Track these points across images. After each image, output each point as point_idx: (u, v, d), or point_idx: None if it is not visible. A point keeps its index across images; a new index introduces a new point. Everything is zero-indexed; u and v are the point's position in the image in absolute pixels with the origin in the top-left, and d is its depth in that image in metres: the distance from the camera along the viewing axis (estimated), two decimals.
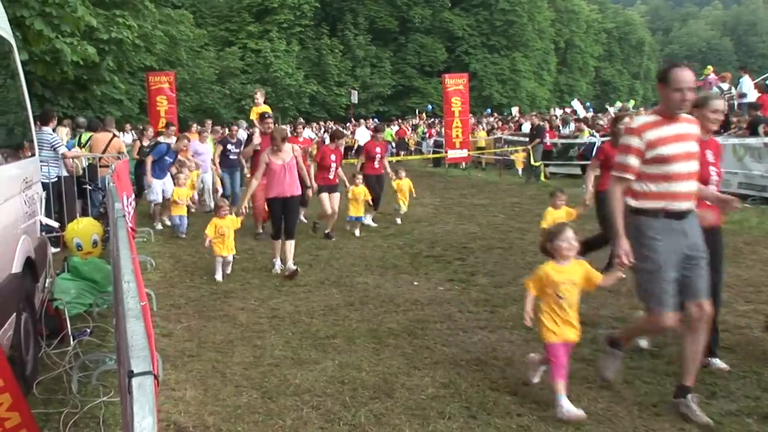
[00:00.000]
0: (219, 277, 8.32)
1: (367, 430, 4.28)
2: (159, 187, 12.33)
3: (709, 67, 18.12)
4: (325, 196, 10.91)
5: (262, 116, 11.36)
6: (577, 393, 4.71)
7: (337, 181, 11.19)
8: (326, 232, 10.99)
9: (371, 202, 12.04)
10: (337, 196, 11.07)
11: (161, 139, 13.61)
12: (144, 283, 7.14)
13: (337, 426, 4.33)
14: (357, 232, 11.22)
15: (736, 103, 16.59)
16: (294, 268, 8.44)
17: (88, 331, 6.23)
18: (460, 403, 4.62)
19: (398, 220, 12.55)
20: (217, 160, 13.58)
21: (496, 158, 24.59)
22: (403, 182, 12.70)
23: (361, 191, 11.33)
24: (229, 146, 13.67)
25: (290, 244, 8.67)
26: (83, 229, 7.91)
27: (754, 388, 4.73)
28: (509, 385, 4.92)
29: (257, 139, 11.09)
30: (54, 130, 10.33)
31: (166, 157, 12.39)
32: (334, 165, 11.10)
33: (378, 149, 12.49)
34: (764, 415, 4.31)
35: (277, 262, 8.77)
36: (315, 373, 5.21)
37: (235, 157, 13.54)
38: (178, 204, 11.42)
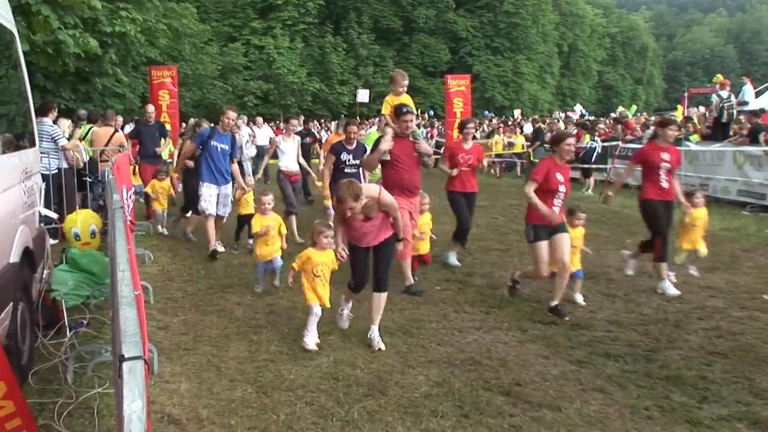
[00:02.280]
0: (311, 343, 5.76)
1: (359, 426, 4.30)
2: (214, 197, 9.50)
3: (719, 75, 18.06)
4: (543, 245, 6.78)
5: (399, 110, 7.68)
6: (569, 395, 4.74)
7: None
8: (553, 305, 6.73)
9: (650, 244, 7.80)
10: (565, 241, 6.76)
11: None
12: (142, 276, 7.17)
13: (330, 422, 4.35)
14: (580, 298, 7.13)
15: (735, 111, 16.59)
16: (380, 343, 5.81)
17: (85, 322, 6.26)
18: (452, 402, 4.64)
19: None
20: (327, 175, 9.45)
21: (496, 160, 24.57)
22: (700, 213, 8.09)
23: (577, 235, 7.24)
24: (344, 156, 9.20)
25: (380, 299, 6.01)
26: (82, 219, 7.96)
27: (745, 393, 4.75)
28: (502, 385, 4.94)
29: (387, 143, 7.55)
30: (55, 122, 10.34)
31: (214, 143, 9.35)
32: (563, 190, 6.85)
33: (666, 156, 7.65)
34: (755, 420, 4.33)
35: (345, 312, 6.31)
36: (310, 369, 5.24)
37: (354, 170, 9.14)
38: (264, 240, 7.67)
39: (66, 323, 5.96)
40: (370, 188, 5.89)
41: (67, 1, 16.57)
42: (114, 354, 3.28)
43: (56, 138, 10.00)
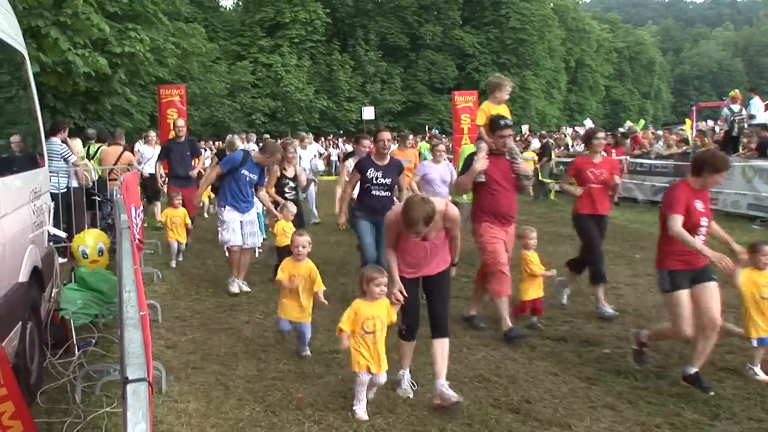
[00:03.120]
0: (361, 412, 4.70)
1: None
2: (237, 223, 8.37)
3: (736, 90, 18.07)
4: (684, 295, 5.19)
5: (496, 123, 6.59)
6: (579, 412, 4.71)
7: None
8: (691, 372, 5.17)
9: None
10: (713, 291, 5.20)
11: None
12: (150, 295, 7.19)
13: None
14: (761, 373, 5.35)
15: (746, 124, 16.57)
16: (454, 395, 4.79)
17: (93, 341, 6.25)
18: (461, 420, 4.61)
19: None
20: (346, 196, 8.01)
21: None
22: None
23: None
24: (370, 172, 7.51)
25: (443, 346, 5.09)
26: (89, 238, 8.00)
27: (758, 410, 4.72)
28: (512, 402, 4.91)
29: (482, 162, 6.49)
30: (64, 141, 10.41)
31: (244, 172, 8.29)
32: (704, 223, 5.24)
33: None
34: None
35: (406, 375, 5.22)
36: (318, 388, 5.22)
37: (385, 192, 7.51)
38: (290, 296, 5.96)
39: (74, 342, 5.97)
40: (436, 202, 4.90)
41: (76, 24, 16.73)
42: (121, 375, 3.29)
43: (66, 157, 10.07)
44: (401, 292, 4.88)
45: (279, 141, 12.49)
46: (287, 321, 5.92)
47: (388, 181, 7.49)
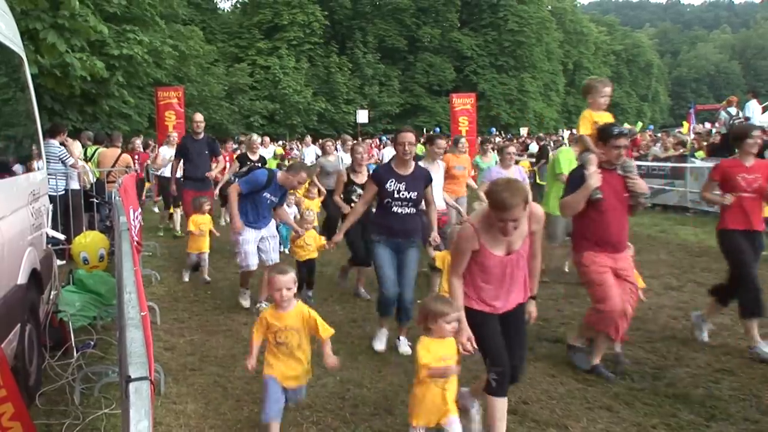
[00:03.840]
0: None
1: None
2: (253, 242, 7.61)
3: (734, 97, 18.14)
4: None
5: (608, 131, 5.41)
6: (576, 413, 4.73)
7: None
8: None
9: None
10: None
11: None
12: (149, 297, 7.19)
13: None
14: None
15: None
16: None
17: (92, 343, 6.27)
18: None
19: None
20: (356, 213, 6.37)
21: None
22: None
23: None
24: (391, 185, 6.03)
25: (505, 404, 4.16)
26: (90, 242, 8.01)
27: (753, 411, 4.73)
28: (509, 403, 4.90)
29: (596, 177, 5.33)
30: (62, 144, 10.41)
31: (266, 194, 7.47)
32: None
33: None
34: None
35: (475, 410, 4.49)
36: (316, 389, 5.22)
37: (410, 209, 6.08)
38: (281, 352, 4.24)
39: (73, 344, 5.98)
40: None
41: (74, 26, 16.77)
42: (120, 375, 3.30)
43: (63, 159, 10.08)
44: (471, 344, 3.94)
45: (352, 142, 11.67)
46: (279, 386, 4.18)
47: (413, 195, 6.03)
